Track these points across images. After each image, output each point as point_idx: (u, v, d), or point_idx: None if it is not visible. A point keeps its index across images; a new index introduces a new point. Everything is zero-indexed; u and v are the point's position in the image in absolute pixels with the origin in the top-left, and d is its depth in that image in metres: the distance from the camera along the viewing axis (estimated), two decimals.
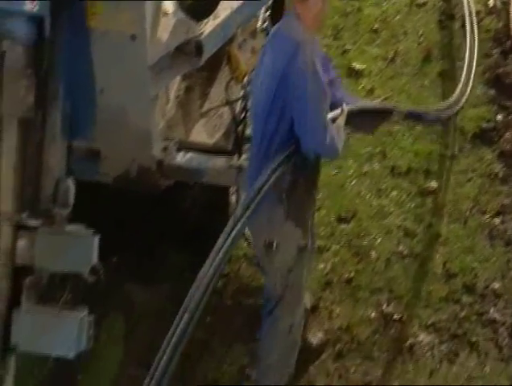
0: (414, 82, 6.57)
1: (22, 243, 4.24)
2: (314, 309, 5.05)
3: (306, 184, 4.28)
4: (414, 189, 5.80)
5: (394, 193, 5.77)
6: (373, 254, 5.40)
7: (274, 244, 4.26)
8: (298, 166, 4.15)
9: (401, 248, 5.43)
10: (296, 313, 4.47)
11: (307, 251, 4.42)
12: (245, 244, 5.30)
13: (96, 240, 4.22)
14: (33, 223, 4.24)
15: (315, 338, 4.92)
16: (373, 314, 5.06)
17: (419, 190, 5.80)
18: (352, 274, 5.27)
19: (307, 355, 4.76)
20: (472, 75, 6.02)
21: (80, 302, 4.38)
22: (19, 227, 4.23)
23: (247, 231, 4.99)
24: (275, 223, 4.26)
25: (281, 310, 4.40)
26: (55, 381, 4.86)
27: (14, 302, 4.20)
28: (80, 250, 4.26)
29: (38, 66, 4.02)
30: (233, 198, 5.13)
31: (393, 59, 6.74)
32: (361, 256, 5.38)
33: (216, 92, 5.12)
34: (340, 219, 5.61)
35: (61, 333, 4.16)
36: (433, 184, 5.82)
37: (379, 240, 5.48)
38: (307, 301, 4.92)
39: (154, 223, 5.07)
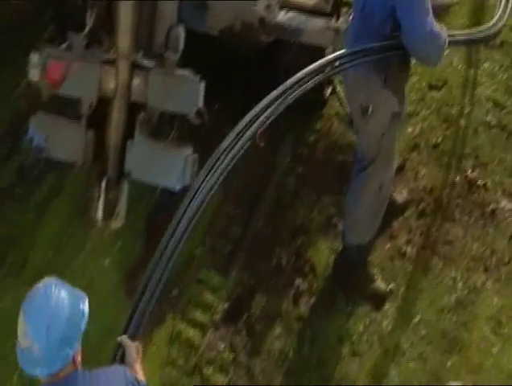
0: None
1: (137, 81, 4.25)
2: (400, 169, 4.79)
3: (404, 57, 3.96)
4: (506, 61, 5.37)
5: (487, 64, 5.36)
6: (462, 122, 5.08)
7: (370, 109, 4.01)
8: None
9: (489, 118, 5.09)
10: (387, 173, 4.25)
11: (401, 117, 4.17)
12: (337, 104, 5.16)
13: (202, 85, 4.19)
14: (147, 63, 4.24)
15: (400, 196, 4.71)
16: (457, 178, 4.80)
17: (511, 63, 5.38)
18: (439, 139, 4.99)
19: (392, 211, 4.54)
20: None
21: (186, 141, 4.35)
22: (135, 66, 4.22)
23: (342, 94, 4.90)
24: (372, 89, 3.99)
25: (373, 170, 4.18)
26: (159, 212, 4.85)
27: (128, 134, 4.26)
28: (187, 93, 4.23)
29: None
30: None
31: None
32: (449, 123, 5.07)
33: None
34: (431, 87, 5.26)
35: (168, 166, 4.19)
36: None
37: (468, 110, 5.15)
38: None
39: (253, 79, 4.88)
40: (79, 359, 2.76)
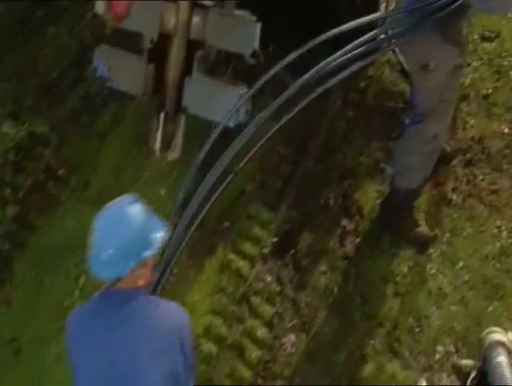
0: None
1: (196, 19, 4.07)
2: None
3: (463, 7, 3.62)
4: None
5: None
6: None
7: (431, 65, 3.73)
8: None
9: None
10: (444, 124, 4.01)
11: (463, 68, 3.95)
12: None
13: (258, 26, 4.01)
14: (206, 2, 4.07)
15: (448, 144, 4.45)
16: (506, 130, 4.52)
17: None
18: (489, 91, 4.70)
19: (439, 159, 4.25)
20: None
21: (241, 81, 4.16)
22: (195, 5, 4.04)
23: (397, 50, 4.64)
24: (432, 46, 3.70)
25: (430, 122, 3.91)
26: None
27: (186, 71, 4.11)
28: (244, 34, 4.05)
29: None
30: (382, 6, 4.62)
31: None
32: (500, 74, 4.77)
33: None
34: (484, 38, 4.94)
35: (223, 103, 4.01)
36: None
37: None
38: None
39: (310, 22, 4.67)
40: (141, 283, 2.70)
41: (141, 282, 2.72)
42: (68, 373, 2.80)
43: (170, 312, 2.76)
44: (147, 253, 2.66)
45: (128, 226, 2.64)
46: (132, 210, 2.68)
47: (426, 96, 3.95)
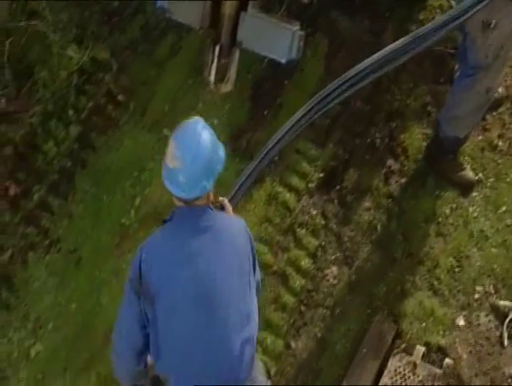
0: None
1: None
2: None
3: None
4: None
5: None
6: None
7: (493, 24, 3.37)
8: None
9: None
10: (498, 78, 3.64)
11: None
12: None
13: None
14: None
15: (496, 91, 4.16)
16: None
17: None
18: None
19: None
20: None
21: (295, 19, 3.92)
22: None
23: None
24: (497, 6, 3.29)
25: (483, 76, 3.55)
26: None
27: (243, 6, 3.87)
28: None
29: None
30: None
31: None
32: None
33: None
34: None
35: (277, 39, 3.82)
36: None
37: None
38: None
39: None
40: (211, 198, 2.69)
41: (210, 198, 2.68)
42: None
43: (237, 221, 2.77)
44: (220, 170, 2.65)
45: (206, 147, 2.56)
46: (205, 131, 2.62)
47: (482, 53, 3.56)
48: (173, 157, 2.54)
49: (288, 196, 4.01)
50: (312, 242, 3.84)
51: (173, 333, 2.57)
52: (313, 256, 3.80)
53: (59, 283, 3.81)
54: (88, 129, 4.34)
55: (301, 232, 3.89)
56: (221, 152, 2.66)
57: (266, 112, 4.35)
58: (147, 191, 4.12)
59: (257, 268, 2.77)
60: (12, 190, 4.03)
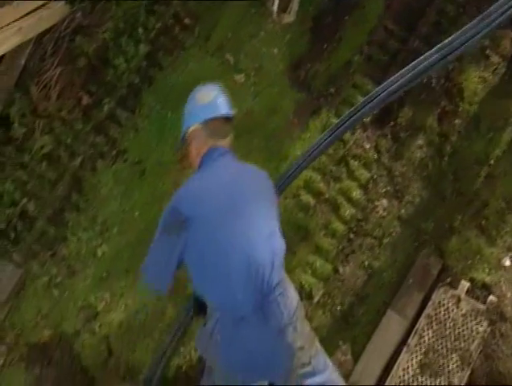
0: None
1: None
2: None
3: None
4: None
5: None
6: None
7: None
8: None
9: None
10: None
11: None
12: None
13: None
14: None
15: None
16: None
17: None
18: None
19: None
20: None
21: None
22: None
23: None
24: None
25: None
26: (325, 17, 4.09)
27: None
28: None
29: None
30: None
31: None
32: None
33: None
34: None
35: None
36: None
37: None
38: None
39: None
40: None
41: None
42: None
43: (259, 169, 2.73)
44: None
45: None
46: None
47: None
48: (205, 96, 2.69)
49: None
50: (364, 174, 3.58)
51: (205, 252, 2.46)
52: (364, 187, 3.54)
53: (125, 191, 3.63)
54: (156, 48, 4.05)
55: (354, 163, 3.62)
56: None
57: (325, 46, 4.01)
58: None
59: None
60: (85, 101, 3.80)
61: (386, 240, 3.36)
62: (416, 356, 2.86)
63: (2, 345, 3.18)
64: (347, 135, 3.70)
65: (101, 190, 3.64)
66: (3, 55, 3.74)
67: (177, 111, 3.99)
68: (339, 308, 3.18)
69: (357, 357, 2.95)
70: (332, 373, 2.65)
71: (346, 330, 3.06)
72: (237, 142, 3.72)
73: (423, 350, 2.87)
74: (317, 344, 2.61)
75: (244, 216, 2.47)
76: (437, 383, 2.77)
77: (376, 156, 3.63)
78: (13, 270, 3.27)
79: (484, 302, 3.09)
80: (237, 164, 2.67)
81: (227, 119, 2.67)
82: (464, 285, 3.08)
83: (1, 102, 3.65)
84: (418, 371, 2.81)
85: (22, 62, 3.83)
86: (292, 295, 2.51)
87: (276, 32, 4.08)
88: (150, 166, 3.73)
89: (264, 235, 2.47)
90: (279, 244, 2.50)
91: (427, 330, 2.90)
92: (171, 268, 2.49)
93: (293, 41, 4.07)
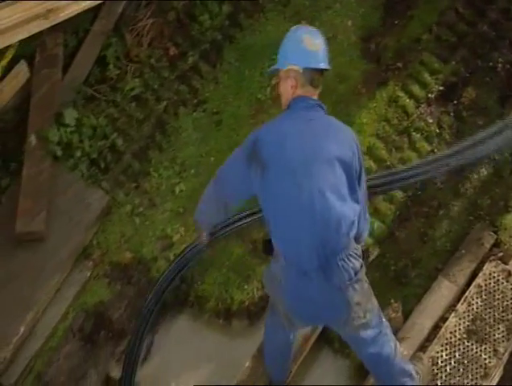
0: None
1: None
2: None
3: None
4: None
5: None
6: None
7: None
8: None
9: None
10: None
11: None
12: None
13: None
14: None
15: None
16: None
17: None
18: None
19: None
20: None
21: None
22: None
23: None
24: None
25: None
26: None
27: None
28: None
29: None
30: None
31: None
32: None
33: None
34: None
35: None
36: None
37: None
38: None
39: None
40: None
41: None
42: None
43: (347, 127, 2.41)
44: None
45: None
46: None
47: None
48: (313, 43, 2.36)
49: (408, 101, 3.37)
50: (425, 146, 3.23)
51: (278, 198, 2.23)
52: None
53: (202, 138, 3.38)
54: (238, 9, 3.71)
55: (416, 135, 3.27)
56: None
57: (396, 22, 3.63)
58: None
59: (362, 177, 2.35)
60: (172, 51, 3.51)
61: (441, 211, 3.04)
62: (464, 322, 2.61)
63: (90, 261, 3.06)
64: (411, 108, 3.39)
65: (182, 135, 3.39)
66: (103, 2, 3.53)
67: (254, 69, 3.69)
68: (392, 268, 2.91)
69: (406, 315, 2.72)
70: (384, 329, 2.45)
71: (398, 290, 2.80)
72: None
73: (471, 317, 2.61)
74: (373, 300, 2.41)
75: (317, 176, 2.20)
76: (482, 349, 2.54)
77: (438, 131, 3.28)
78: (101, 196, 3.13)
79: None
80: (325, 121, 2.33)
81: (322, 72, 2.36)
82: None
83: (100, 44, 3.43)
84: (465, 336, 2.57)
85: (119, 10, 3.57)
86: (355, 259, 2.28)
87: (351, 5, 3.74)
88: (226, 118, 3.44)
89: (332, 200, 2.19)
90: (348, 212, 2.21)
91: (476, 299, 2.64)
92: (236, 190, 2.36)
93: (366, 15, 3.70)
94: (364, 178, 2.34)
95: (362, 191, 2.32)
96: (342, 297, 2.24)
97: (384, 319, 2.43)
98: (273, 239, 2.29)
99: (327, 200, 2.18)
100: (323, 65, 2.34)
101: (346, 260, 2.23)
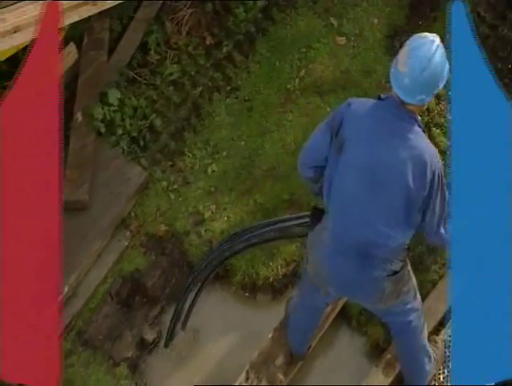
0: None
1: None
2: None
3: None
4: None
5: None
6: None
7: None
8: None
9: None
10: None
11: None
12: None
13: None
14: None
15: None
16: None
17: None
18: None
19: None
20: None
21: None
22: None
23: None
24: None
25: None
26: None
27: None
28: None
29: None
30: None
31: None
32: None
33: None
34: None
35: None
36: None
37: None
38: None
39: None
40: (423, 108, 2.30)
41: (422, 109, 2.29)
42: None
43: (428, 145, 2.25)
44: (440, 88, 2.20)
45: (436, 66, 2.14)
46: (439, 50, 2.16)
47: None
48: (404, 63, 2.13)
49: None
50: (444, 142, 3.32)
51: (341, 182, 2.26)
52: (442, 154, 3.28)
53: (234, 122, 3.52)
54: (271, 4, 3.82)
55: (436, 131, 3.38)
56: (446, 73, 2.18)
57: (420, 23, 3.74)
58: (311, 66, 3.67)
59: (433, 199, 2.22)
60: (208, 40, 3.64)
61: None
62: None
63: (128, 231, 3.21)
64: (432, 104, 3.47)
65: (215, 118, 3.53)
66: None
67: (284, 61, 3.78)
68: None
69: (422, 300, 2.80)
70: (417, 305, 2.51)
71: (415, 275, 2.91)
72: (333, 96, 3.63)
73: None
74: (410, 283, 2.43)
75: (377, 193, 2.22)
76: None
77: None
78: (140, 172, 3.28)
79: None
80: (409, 134, 2.19)
81: None
82: None
83: (142, 31, 3.57)
84: None
85: (161, 0, 3.73)
86: (398, 262, 2.32)
87: (378, 4, 3.84)
88: (257, 105, 3.57)
89: (385, 219, 2.22)
90: (395, 234, 2.24)
91: None
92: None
93: (392, 14, 3.81)
94: (438, 199, 2.24)
95: (432, 212, 2.26)
96: (376, 287, 2.32)
97: (418, 296, 2.51)
98: (326, 213, 2.33)
99: (377, 226, 2.22)
100: (401, 95, 2.21)
101: (388, 263, 2.30)
